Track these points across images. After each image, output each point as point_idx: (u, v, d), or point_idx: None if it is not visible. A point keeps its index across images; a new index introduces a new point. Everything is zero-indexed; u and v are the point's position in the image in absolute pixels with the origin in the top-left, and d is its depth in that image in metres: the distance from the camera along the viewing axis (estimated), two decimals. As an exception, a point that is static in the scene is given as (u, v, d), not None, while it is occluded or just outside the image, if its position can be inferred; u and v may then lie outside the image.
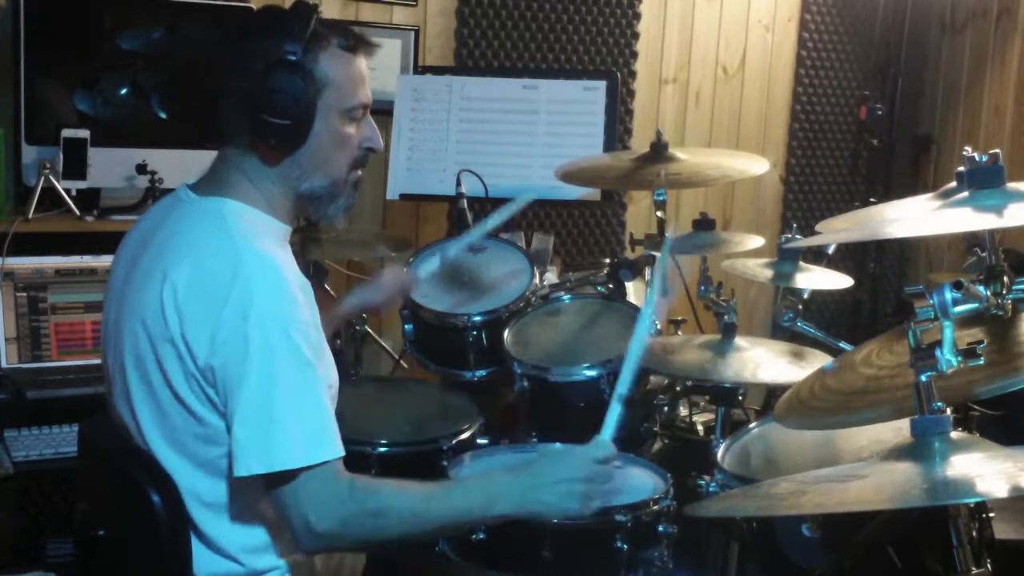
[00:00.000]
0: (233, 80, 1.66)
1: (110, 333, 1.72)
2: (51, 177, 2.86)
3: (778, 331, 2.63)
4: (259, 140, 1.66)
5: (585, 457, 1.68)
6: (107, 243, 2.84)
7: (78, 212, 2.89)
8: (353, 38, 1.70)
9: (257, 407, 1.53)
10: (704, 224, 2.72)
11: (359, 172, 1.77)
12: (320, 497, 1.54)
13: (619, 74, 3.43)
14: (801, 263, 2.54)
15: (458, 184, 2.94)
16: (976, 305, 1.42)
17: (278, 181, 1.70)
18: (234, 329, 1.53)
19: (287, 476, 1.53)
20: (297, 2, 1.70)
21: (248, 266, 1.57)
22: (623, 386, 1.75)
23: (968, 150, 1.66)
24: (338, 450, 1.57)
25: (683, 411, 2.90)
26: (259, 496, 1.65)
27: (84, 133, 2.88)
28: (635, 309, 2.71)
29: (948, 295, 1.38)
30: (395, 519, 1.58)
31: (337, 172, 1.72)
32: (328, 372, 1.68)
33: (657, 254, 2.85)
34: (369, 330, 3.05)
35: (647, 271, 2.86)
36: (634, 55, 3.98)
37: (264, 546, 1.67)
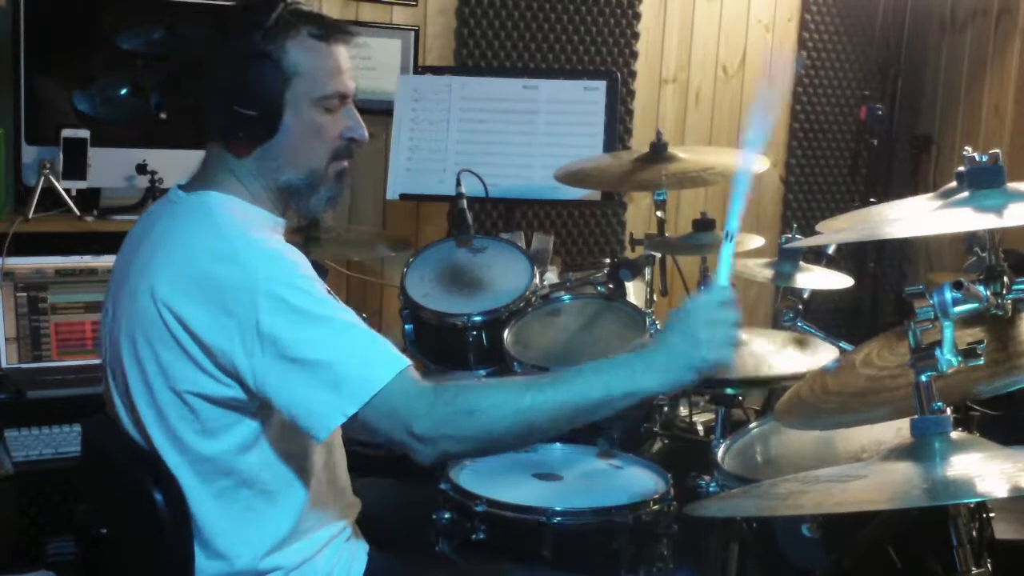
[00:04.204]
0: (209, 75, 1.67)
1: (107, 336, 1.73)
2: (51, 177, 2.87)
3: (778, 331, 2.63)
4: (229, 133, 1.66)
5: (704, 305, 1.60)
6: (107, 243, 2.86)
7: (78, 212, 2.89)
8: (325, 26, 1.68)
9: (313, 364, 1.52)
10: (704, 224, 2.71)
11: (344, 164, 1.74)
12: (410, 403, 1.52)
13: (619, 74, 3.43)
14: (801, 263, 2.54)
15: (458, 184, 2.94)
16: (976, 305, 1.42)
17: (257, 174, 1.70)
18: (247, 313, 1.52)
19: (369, 405, 1.51)
20: None
21: (240, 251, 1.57)
22: (733, 222, 1.64)
23: (968, 150, 1.66)
24: (402, 360, 1.55)
25: (683, 411, 2.90)
26: (262, 494, 1.65)
27: (84, 133, 2.89)
28: (635, 309, 2.71)
29: (948, 295, 1.38)
30: (493, 414, 1.53)
31: (315, 163, 1.70)
32: None
33: (656, 254, 2.85)
34: (369, 330, 3.04)
35: (647, 271, 2.86)
36: (634, 55, 3.98)
37: (266, 547, 1.67)
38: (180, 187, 1.74)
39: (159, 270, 1.59)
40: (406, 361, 1.55)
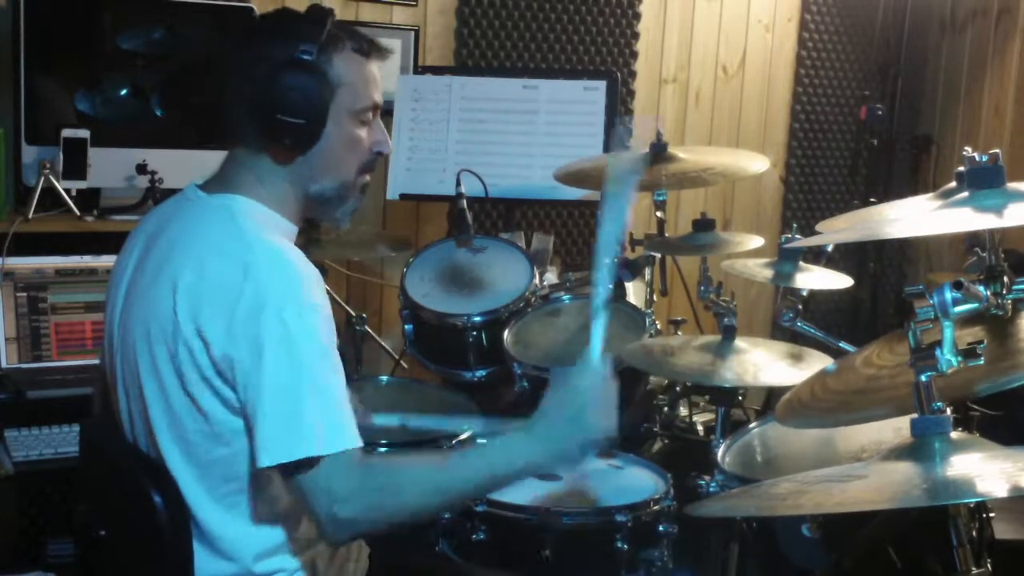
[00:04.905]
0: (245, 81, 1.67)
1: (115, 334, 1.72)
2: (51, 177, 2.86)
3: (778, 331, 2.63)
4: (272, 140, 1.67)
5: (585, 384, 1.66)
6: (107, 243, 2.86)
7: (78, 212, 2.89)
8: (367, 43, 1.72)
9: (282, 397, 1.52)
10: (704, 224, 2.71)
11: (367, 177, 1.78)
12: (342, 485, 1.52)
13: (619, 74, 3.43)
14: (801, 263, 2.54)
15: (458, 184, 2.94)
16: (976, 305, 1.42)
17: (289, 181, 1.71)
18: (252, 323, 1.53)
19: (309, 465, 1.51)
20: (312, 5, 1.73)
21: (259, 259, 1.57)
22: (600, 294, 1.73)
23: (968, 150, 1.66)
24: (355, 439, 1.55)
25: (683, 411, 2.90)
26: (266, 498, 1.65)
27: (84, 133, 2.88)
28: (635, 309, 2.71)
29: (948, 295, 1.38)
30: (415, 493, 1.56)
31: (346, 174, 1.73)
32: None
33: (656, 254, 2.85)
34: (369, 330, 3.05)
35: (647, 272, 2.86)
36: (634, 55, 3.98)
37: (269, 548, 1.67)
38: (199, 186, 1.73)
39: (180, 270, 1.59)
40: (358, 443, 1.55)
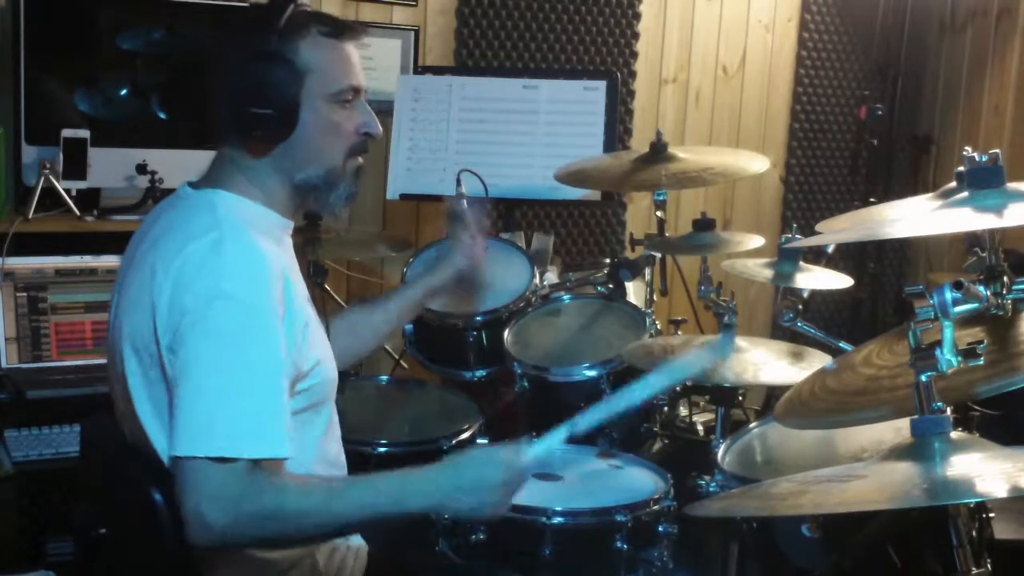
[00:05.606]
0: (218, 77, 1.68)
1: (111, 333, 1.73)
2: (51, 177, 2.87)
3: (778, 331, 2.63)
4: (246, 133, 1.67)
5: (506, 463, 1.63)
6: (107, 243, 2.86)
7: (78, 212, 2.89)
8: (334, 24, 1.70)
9: (199, 391, 1.51)
10: (704, 224, 2.71)
11: (359, 160, 1.76)
12: (223, 490, 1.49)
13: (619, 74, 3.43)
14: (801, 263, 2.54)
15: (458, 184, 2.93)
16: (976, 305, 1.42)
17: (273, 173, 1.71)
18: (200, 311, 1.53)
19: (200, 462, 1.49)
20: None
21: (227, 251, 1.57)
22: (584, 423, 1.69)
23: (968, 150, 1.66)
24: (261, 450, 1.52)
25: (683, 411, 2.90)
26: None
27: (84, 133, 2.89)
28: (635, 309, 2.71)
29: (948, 295, 1.38)
30: (293, 520, 1.52)
31: (332, 160, 1.72)
32: (319, 367, 1.69)
33: (656, 254, 2.85)
34: (369, 330, 3.04)
35: (647, 271, 2.86)
36: (634, 55, 3.97)
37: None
38: (189, 184, 1.74)
39: (158, 260, 1.60)
40: (259, 453, 1.51)
